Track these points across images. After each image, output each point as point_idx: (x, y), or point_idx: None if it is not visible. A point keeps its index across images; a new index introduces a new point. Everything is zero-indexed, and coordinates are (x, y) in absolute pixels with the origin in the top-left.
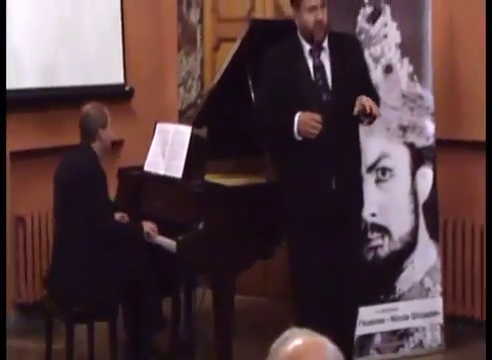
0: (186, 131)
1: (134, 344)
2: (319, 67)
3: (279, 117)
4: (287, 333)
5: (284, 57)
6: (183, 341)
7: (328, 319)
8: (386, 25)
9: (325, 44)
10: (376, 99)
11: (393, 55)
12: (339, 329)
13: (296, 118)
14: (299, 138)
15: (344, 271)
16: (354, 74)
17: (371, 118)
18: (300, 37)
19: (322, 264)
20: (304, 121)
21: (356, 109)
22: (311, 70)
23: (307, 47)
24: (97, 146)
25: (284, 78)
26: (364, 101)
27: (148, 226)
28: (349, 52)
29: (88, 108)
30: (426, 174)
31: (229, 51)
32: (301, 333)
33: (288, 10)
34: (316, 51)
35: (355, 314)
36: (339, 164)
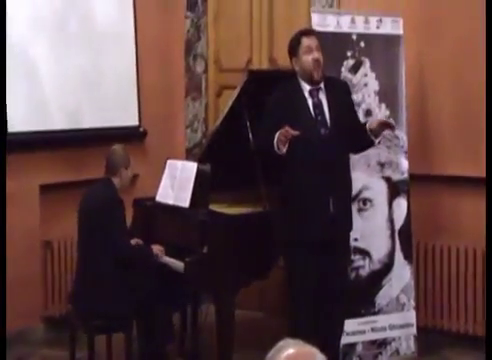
0: (192, 167)
1: (147, 354)
2: (318, 104)
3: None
4: (282, 343)
5: (287, 97)
6: (189, 351)
7: (319, 331)
8: (366, 75)
9: (322, 85)
10: (365, 130)
11: (372, 101)
12: (328, 339)
13: (277, 133)
14: (279, 152)
15: (336, 287)
16: (346, 110)
17: (381, 136)
18: (300, 80)
19: (317, 282)
20: (280, 132)
21: (371, 127)
22: (311, 107)
23: (307, 87)
24: (117, 181)
25: (287, 114)
26: (378, 118)
27: (156, 248)
28: (341, 92)
29: (117, 147)
30: (401, 204)
31: (230, 97)
32: (294, 343)
33: (281, 62)
34: (315, 91)
35: (342, 326)
36: (336, 188)
